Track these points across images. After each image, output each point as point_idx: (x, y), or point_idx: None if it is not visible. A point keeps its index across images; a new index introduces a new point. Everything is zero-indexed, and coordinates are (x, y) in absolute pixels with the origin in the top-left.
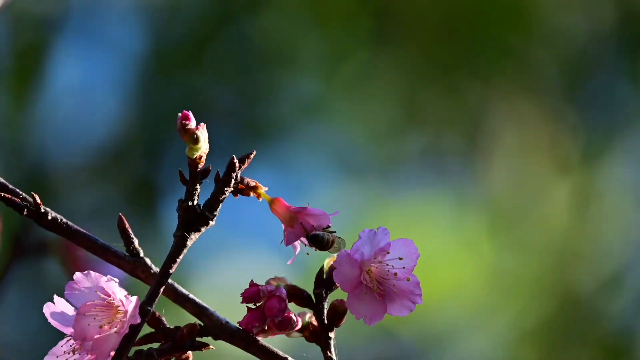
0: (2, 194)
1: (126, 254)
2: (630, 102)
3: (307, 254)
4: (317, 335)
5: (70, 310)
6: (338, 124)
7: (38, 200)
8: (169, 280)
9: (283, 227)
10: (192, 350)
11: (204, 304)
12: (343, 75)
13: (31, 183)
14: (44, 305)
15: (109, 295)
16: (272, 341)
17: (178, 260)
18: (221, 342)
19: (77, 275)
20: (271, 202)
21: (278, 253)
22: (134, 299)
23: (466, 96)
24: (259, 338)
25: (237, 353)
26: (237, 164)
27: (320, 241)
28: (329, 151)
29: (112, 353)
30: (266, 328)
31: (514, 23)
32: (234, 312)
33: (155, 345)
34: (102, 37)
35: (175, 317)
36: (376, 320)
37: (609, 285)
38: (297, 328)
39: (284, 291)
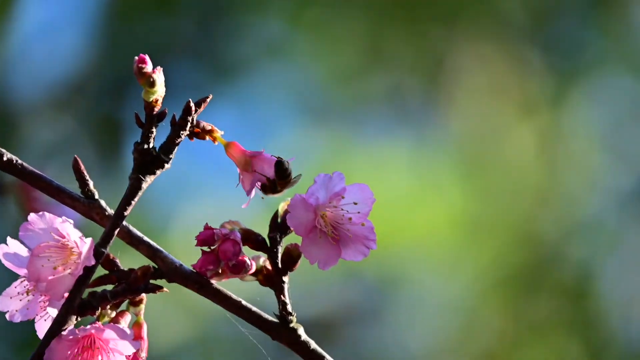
0: None
1: (81, 195)
2: (595, 45)
3: (262, 198)
4: (271, 279)
5: (24, 251)
6: (302, 65)
7: None
8: (124, 223)
9: (238, 171)
10: (145, 292)
11: (158, 247)
12: (307, 16)
13: None
14: None
15: (64, 237)
16: (225, 284)
17: (133, 202)
18: (175, 285)
19: (32, 216)
20: (227, 146)
21: (233, 196)
22: (88, 240)
23: (430, 38)
24: (213, 281)
25: (191, 295)
26: (193, 108)
27: (284, 170)
28: (292, 92)
29: (66, 294)
30: (220, 271)
31: None
32: (188, 255)
33: (109, 287)
34: None
35: (129, 260)
36: (330, 265)
37: (573, 228)
38: (251, 272)
39: (239, 235)
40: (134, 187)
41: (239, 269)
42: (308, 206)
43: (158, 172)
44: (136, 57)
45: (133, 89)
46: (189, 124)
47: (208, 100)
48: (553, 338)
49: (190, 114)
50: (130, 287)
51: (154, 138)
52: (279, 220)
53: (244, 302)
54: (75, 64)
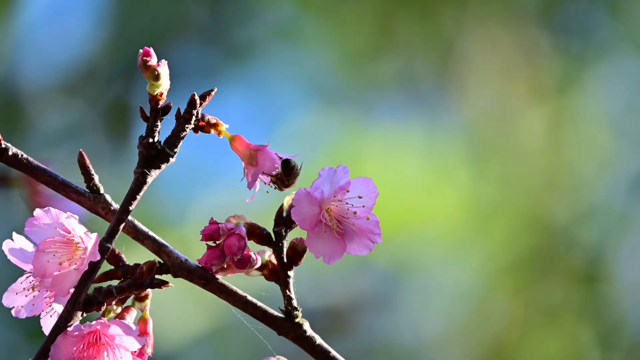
0: None
1: (86, 190)
2: (606, 29)
3: (267, 192)
4: (276, 273)
5: (29, 247)
6: (313, 48)
7: None
8: (129, 217)
9: (243, 164)
10: (151, 287)
11: (164, 241)
12: None
13: (4, 103)
14: (3, 243)
15: (69, 232)
16: (231, 279)
17: (138, 197)
18: (180, 280)
19: (37, 211)
20: (232, 140)
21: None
22: (93, 235)
23: (441, 21)
24: (218, 276)
25: (196, 290)
26: (198, 101)
27: (291, 168)
28: (303, 75)
29: (72, 290)
30: (225, 266)
31: None
32: (193, 250)
33: (115, 282)
34: None
35: (135, 254)
36: (335, 259)
37: (584, 212)
38: (256, 266)
39: (244, 229)
40: (139, 181)
41: (245, 263)
42: (313, 200)
43: (163, 166)
44: (141, 50)
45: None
46: (193, 118)
47: (213, 93)
48: (564, 323)
49: (195, 107)
50: (135, 283)
51: (159, 132)
52: (284, 214)
53: (249, 297)
54: (85, 48)
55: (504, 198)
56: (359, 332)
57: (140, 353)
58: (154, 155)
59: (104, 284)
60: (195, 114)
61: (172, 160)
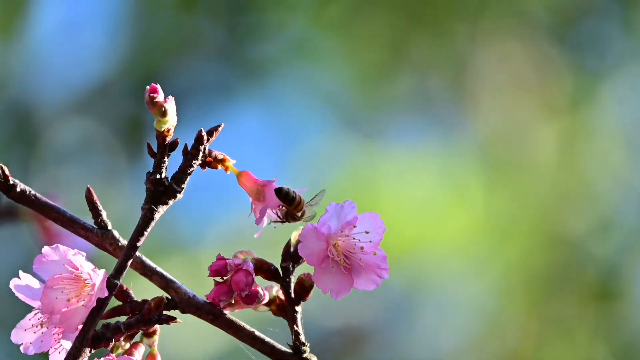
0: None
1: (94, 226)
2: (619, 43)
3: (275, 227)
4: (284, 309)
5: (36, 284)
6: (327, 65)
7: (7, 172)
8: (137, 253)
9: (250, 200)
10: (159, 323)
11: (171, 277)
12: (331, 16)
13: (17, 120)
14: (11, 281)
15: (77, 269)
16: (239, 314)
17: (146, 233)
18: (188, 315)
19: (45, 249)
20: (239, 175)
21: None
22: (101, 272)
23: (454, 38)
24: (226, 311)
25: (204, 326)
26: (205, 137)
27: (285, 194)
28: (317, 92)
29: (80, 326)
30: (233, 302)
31: None
32: (201, 285)
33: (123, 318)
34: None
35: (142, 289)
36: (342, 295)
37: (598, 228)
38: (264, 302)
39: (251, 265)
40: (147, 217)
41: (252, 299)
42: (320, 235)
43: (170, 202)
44: (148, 87)
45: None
46: (201, 153)
47: (220, 129)
48: (578, 338)
49: (202, 143)
50: (143, 319)
51: (166, 168)
52: (291, 249)
53: (257, 333)
54: (99, 65)
55: (518, 214)
56: (376, 351)
57: None
58: (162, 192)
59: (112, 320)
60: (203, 150)
61: (179, 196)
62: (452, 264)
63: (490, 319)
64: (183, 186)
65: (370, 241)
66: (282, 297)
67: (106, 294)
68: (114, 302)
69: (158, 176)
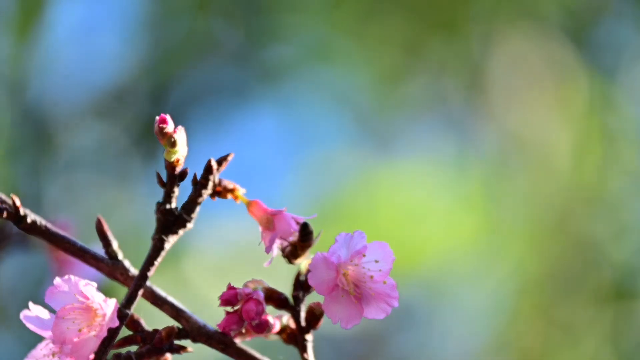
0: None
1: (105, 256)
2: (635, 44)
3: (284, 256)
4: (295, 337)
5: (46, 315)
6: (342, 68)
7: (17, 203)
8: (147, 283)
9: (260, 229)
10: (170, 352)
11: (182, 307)
12: (347, 18)
13: (33, 124)
14: (21, 313)
15: (88, 299)
16: (249, 343)
17: (156, 263)
18: (199, 345)
19: (57, 280)
20: (248, 205)
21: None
22: (112, 302)
23: (469, 39)
24: (237, 340)
25: (215, 355)
26: (214, 167)
27: (309, 233)
28: (333, 95)
29: (92, 356)
30: (244, 331)
31: None
32: (212, 315)
33: (134, 347)
34: None
35: (153, 319)
36: (353, 324)
37: (613, 231)
38: (274, 331)
39: (262, 294)
40: (157, 247)
41: (263, 328)
42: (330, 264)
43: (181, 232)
44: (157, 117)
45: (174, 93)
46: (210, 183)
47: (229, 158)
48: (588, 342)
49: (211, 173)
50: (154, 348)
51: (176, 198)
52: (301, 278)
53: None
54: (115, 69)
55: (533, 217)
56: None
57: None
58: (172, 222)
59: (123, 350)
60: (212, 180)
61: (189, 225)
62: (466, 267)
63: (504, 321)
64: (193, 216)
65: (380, 270)
66: (293, 325)
67: (117, 323)
68: (125, 332)
69: (168, 206)
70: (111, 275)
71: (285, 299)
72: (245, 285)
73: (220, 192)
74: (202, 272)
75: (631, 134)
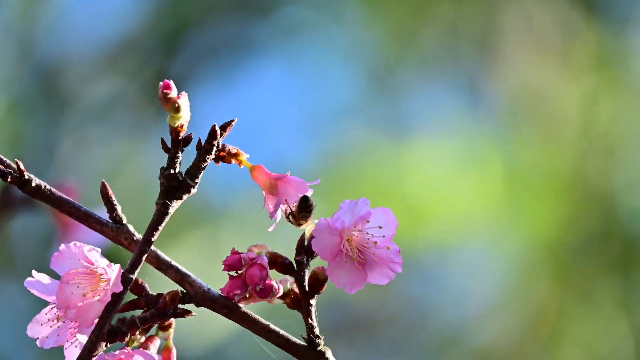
0: None
1: (109, 220)
2: None
3: (288, 221)
4: (299, 302)
5: (47, 280)
6: (353, 23)
7: (22, 167)
8: (152, 247)
9: (264, 194)
10: (174, 317)
11: (186, 271)
12: None
13: (45, 78)
14: (25, 280)
15: (92, 264)
16: (253, 307)
17: (160, 228)
18: (203, 309)
19: (62, 246)
20: (252, 169)
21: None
22: (116, 267)
23: None
24: (241, 305)
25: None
26: (218, 132)
27: (308, 206)
28: (343, 51)
29: (96, 321)
30: (247, 295)
31: None
32: (216, 279)
33: (138, 312)
34: None
35: (157, 283)
36: (356, 289)
37: (626, 184)
38: (278, 295)
39: (265, 259)
40: (161, 212)
41: (267, 293)
42: (333, 230)
43: (185, 197)
44: (161, 83)
45: (183, 45)
46: (214, 148)
47: (233, 123)
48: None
49: (215, 138)
50: (159, 312)
51: (180, 163)
52: (305, 243)
53: (272, 326)
54: (125, 22)
55: (547, 171)
56: (405, 319)
57: None
58: (176, 187)
59: (128, 314)
60: (216, 145)
61: (193, 191)
62: (478, 228)
63: (518, 281)
64: (197, 181)
65: (384, 236)
66: (297, 290)
67: (121, 288)
68: (130, 296)
69: (172, 171)
70: (115, 239)
71: (290, 264)
72: (249, 249)
73: (224, 157)
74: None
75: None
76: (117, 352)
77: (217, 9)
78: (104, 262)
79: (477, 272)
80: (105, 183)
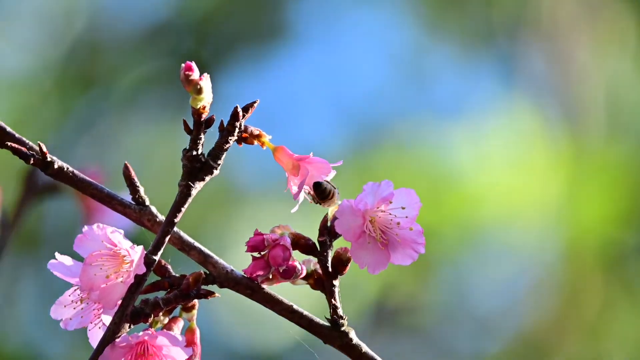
0: (9, 144)
1: (132, 202)
2: None
3: (311, 201)
4: (322, 283)
5: (69, 262)
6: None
7: (44, 150)
8: (175, 229)
9: (287, 175)
10: (197, 298)
11: (209, 252)
12: None
13: (82, 57)
14: (48, 263)
15: (115, 245)
16: (276, 288)
17: (183, 209)
18: (226, 290)
19: (85, 228)
20: (275, 150)
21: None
22: (139, 248)
23: None
24: (264, 286)
25: (242, 300)
26: (240, 113)
27: (322, 190)
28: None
29: (119, 302)
30: (271, 276)
31: None
32: (239, 260)
33: (162, 293)
34: None
35: (181, 265)
36: (379, 269)
37: None
38: (301, 276)
39: (288, 240)
40: (184, 194)
41: (290, 274)
42: (356, 212)
43: (207, 178)
44: (183, 65)
45: (215, 29)
46: (237, 130)
47: (255, 105)
48: None
49: (238, 120)
50: (182, 294)
51: (202, 144)
52: (328, 224)
53: (295, 307)
54: (158, 5)
55: (607, 159)
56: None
57: None
58: (198, 168)
59: (151, 296)
60: (239, 126)
61: (215, 172)
62: (527, 207)
63: (562, 273)
64: (219, 162)
65: (407, 216)
66: (320, 271)
67: (144, 270)
68: (153, 277)
69: (194, 153)
70: (138, 221)
71: (313, 245)
72: (272, 230)
73: (246, 138)
74: None
75: None
76: (141, 333)
77: None
78: (127, 243)
79: (526, 258)
80: (128, 165)
